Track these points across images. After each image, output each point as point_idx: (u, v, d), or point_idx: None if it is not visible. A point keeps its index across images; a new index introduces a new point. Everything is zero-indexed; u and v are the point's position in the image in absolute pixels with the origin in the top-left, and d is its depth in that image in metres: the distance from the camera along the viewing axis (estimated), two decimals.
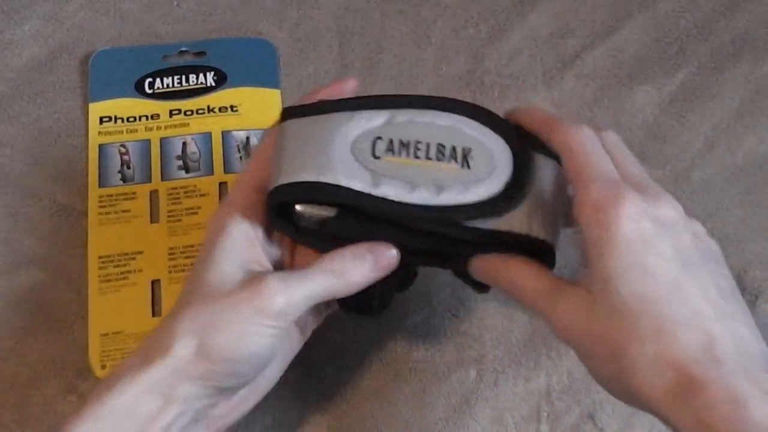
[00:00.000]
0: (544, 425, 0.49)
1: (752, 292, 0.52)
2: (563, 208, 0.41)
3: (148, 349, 0.38)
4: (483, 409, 0.49)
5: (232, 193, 0.41)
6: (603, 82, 0.58)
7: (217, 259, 0.39)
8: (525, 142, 0.40)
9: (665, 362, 0.33)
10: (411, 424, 0.49)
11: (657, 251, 0.35)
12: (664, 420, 0.34)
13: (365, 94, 0.42)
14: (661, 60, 0.59)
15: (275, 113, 0.55)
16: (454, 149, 0.40)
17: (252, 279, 0.38)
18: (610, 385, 0.36)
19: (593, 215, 0.35)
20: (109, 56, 0.57)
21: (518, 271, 0.39)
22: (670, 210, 0.36)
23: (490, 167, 0.40)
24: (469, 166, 0.39)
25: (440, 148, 0.40)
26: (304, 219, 0.40)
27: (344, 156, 0.39)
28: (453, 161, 0.39)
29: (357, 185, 0.39)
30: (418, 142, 0.40)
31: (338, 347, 0.51)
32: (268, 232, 0.42)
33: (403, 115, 0.40)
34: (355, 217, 0.40)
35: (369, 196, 0.39)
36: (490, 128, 0.40)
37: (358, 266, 0.40)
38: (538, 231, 0.39)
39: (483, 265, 0.40)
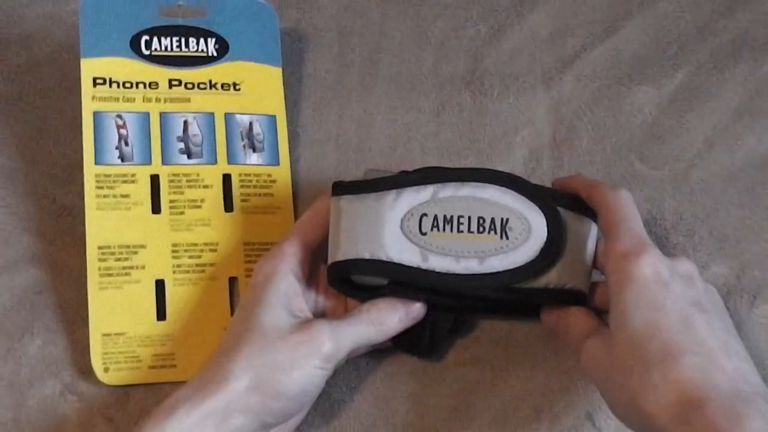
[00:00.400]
0: (543, 425, 0.49)
1: (750, 292, 0.52)
2: (592, 258, 0.47)
3: (204, 381, 0.43)
4: (482, 410, 0.49)
5: (284, 246, 0.47)
6: (602, 82, 0.58)
7: (271, 304, 0.45)
8: (556, 206, 0.46)
9: (669, 385, 0.38)
10: (411, 424, 0.49)
11: (670, 291, 0.40)
12: None
13: (411, 169, 0.47)
14: (661, 60, 0.59)
15: (277, 95, 0.55)
16: (493, 221, 0.45)
17: (305, 324, 0.44)
18: (625, 415, 0.41)
19: (619, 262, 0.41)
20: (100, 3, 0.53)
21: (569, 315, 0.46)
22: (687, 265, 0.43)
23: (526, 234, 0.45)
24: (507, 237, 0.45)
25: (480, 221, 0.45)
26: (359, 283, 0.46)
27: (395, 232, 0.45)
28: (493, 232, 0.45)
29: (407, 260, 0.45)
30: (461, 216, 0.45)
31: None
32: (309, 283, 0.48)
33: (446, 190, 0.46)
34: (406, 286, 0.46)
35: (418, 270, 0.45)
36: (526, 196, 0.46)
37: (393, 317, 0.46)
38: (571, 283, 0.46)
39: (550, 316, 0.47)
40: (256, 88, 0.55)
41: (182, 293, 0.50)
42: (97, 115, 0.52)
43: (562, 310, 0.46)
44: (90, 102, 0.52)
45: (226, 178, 0.53)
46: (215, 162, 0.53)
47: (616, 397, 0.41)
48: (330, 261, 0.46)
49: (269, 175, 0.54)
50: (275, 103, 0.55)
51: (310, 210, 0.48)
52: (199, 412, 0.42)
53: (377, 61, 0.59)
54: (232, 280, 0.52)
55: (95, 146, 0.51)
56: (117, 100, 0.53)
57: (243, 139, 0.54)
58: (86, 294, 0.49)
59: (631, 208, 0.44)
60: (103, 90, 0.52)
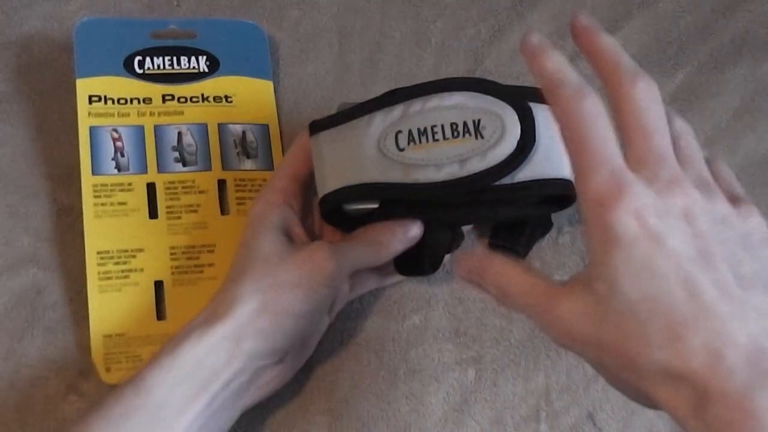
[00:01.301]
0: (543, 425, 0.49)
1: None
2: None
3: (214, 309, 0.43)
4: (482, 409, 0.49)
5: (274, 181, 0.48)
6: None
7: (270, 232, 0.46)
8: (526, 100, 0.45)
9: (677, 373, 0.32)
10: (410, 424, 0.49)
11: (665, 249, 0.32)
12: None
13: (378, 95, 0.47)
14: (661, 60, 0.59)
15: (269, 106, 0.56)
16: (465, 124, 0.45)
17: (305, 246, 0.45)
18: (628, 393, 0.35)
19: (594, 210, 0.33)
20: (93, 27, 0.55)
21: (505, 272, 0.36)
22: (683, 198, 0.33)
23: (500, 131, 0.45)
24: (482, 136, 0.45)
25: (454, 126, 0.45)
26: (352, 214, 0.47)
27: (373, 155, 0.45)
28: (467, 135, 0.45)
29: (390, 178, 0.45)
30: (434, 126, 0.45)
31: (338, 348, 0.51)
32: (304, 216, 0.49)
33: (415, 105, 0.46)
34: (396, 204, 0.46)
35: (403, 185, 0.45)
36: (492, 95, 0.46)
37: (390, 237, 0.47)
38: (554, 173, 0.45)
39: (465, 265, 0.38)
40: (247, 100, 0.56)
41: (181, 293, 0.51)
42: (93, 130, 0.53)
43: (485, 260, 0.37)
44: (86, 118, 0.53)
45: (222, 183, 0.54)
46: (210, 169, 0.54)
47: (616, 377, 0.34)
48: (319, 196, 0.47)
49: (264, 179, 0.54)
50: (267, 113, 0.56)
51: (293, 146, 0.50)
52: (210, 337, 0.42)
53: (377, 62, 0.59)
54: None
55: (92, 158, 0.52)
56: (112, 115, 0.54)
57: (237, 147, 0.55)
58: (86, 294, 0.50)
59: (599, 120, 0.33)
60: (98, 107, 0.54)
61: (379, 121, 0.46)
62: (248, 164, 0.54)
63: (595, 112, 0.33)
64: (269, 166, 0.55)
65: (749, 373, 0.31)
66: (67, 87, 0.56)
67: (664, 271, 0.32)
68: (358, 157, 0.46)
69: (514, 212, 0.48)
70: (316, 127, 0.48)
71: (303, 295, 0.44)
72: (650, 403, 0.34)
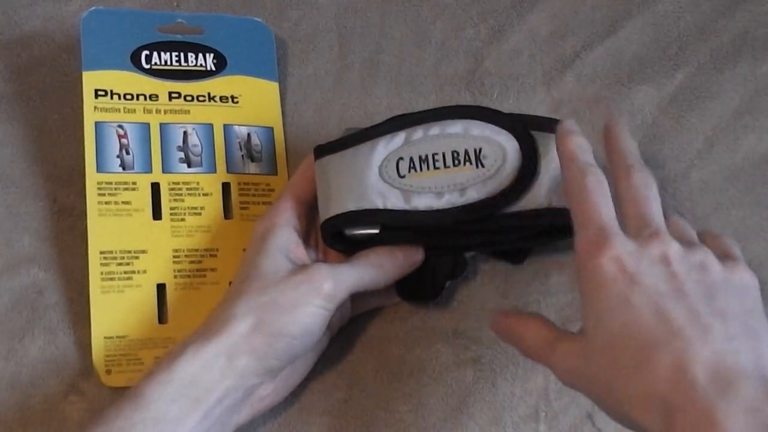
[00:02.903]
0: (543, 425, 0.49)
1: None
2: None
3: (210, 325, 0.44)
4: (481, 410, 0.50)
5: (280, 203, 0.49)
6: (602, 83, 0.58)
7: (270, 252, 0.46)
8: (527, 128, 0.46)
9: (648, 392, 0.35)
10: (410, 424, 0.49)
11: (641, 285, 0.37)
12: None
13: (383, 120, 0.48)
14: (661, 60, 0.59)
15: (275, 109, 0.56)
16: (466, 152, 0.46)
17: (304, 267, 0.45)
18: (626, 424, 0.37)
19: (583, 259, 0.38)
20: (101, 18, 0.54)
21: (526, 328, 0.42)
22: (660, 246, 0.38)
23: (501, 160, 0.46)
24: (483, 165, 0.46)
25: (455, 155, 0.46)
26: (353, 238, 0.47)
27: (375, 181, 0.46)
28: (468, 163, 0.46)
29: (391, 204, 0.46)
30: (435, 154, 0.46)
31: (337, 348, 0.51)
32: (307, 239, 0.49)
33: (417, 132, 0.47)
34: (397, 230, 0.47)
35: (403, 212, 0.46)
36: (494, 124, 0.46)
37: (391, 262, 0.47)
38: (555, 201, 0.45)
39: (500, 325, 0.44)
40: (253, 101, 0.56)
41: (183, 297, 0.51)
42: (98, 126, 0.53)
43: (513, 319, 0.43)
44: (92, 113, 0.53)
45: (226, 187, 0.53)
46: (215, 171, 0.54)
47: (605, 405, 0.38)
48: (321, 220, 0.47)
49: (267, 184, 0.54)
50: (272, 116, 0.56)
51: (299, 169, 0.50)
52: (204, 354, 0.43)
53: (377, 62, 0.59)
54: None
55: (97, 155, 0.52)
56: (118, 111, 0.53)
57: (241, 150, 0.55)
58: (87, 294, 0.50)
59: (597, 191, 0.39)
60: (104, 101, 0.53)
61: (382, 148, 0.47)
62: (252, 168, 0.54)
63: (593, 184, 0.40)
64: (273, 170, 0.55)
65: (712, 385, 0.34)
66: (68, 87, 0.56)
67: (638, 303, 0.36)
68: (360, 182, 0.46)
69: (515, 240, 0.49)
70: (321, 151, 0.48)
71: (299, 316, 0.44)
72: (641, 430, 0.36)
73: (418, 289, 0.49)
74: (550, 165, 0.46)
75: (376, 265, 0.47)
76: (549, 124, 0.46)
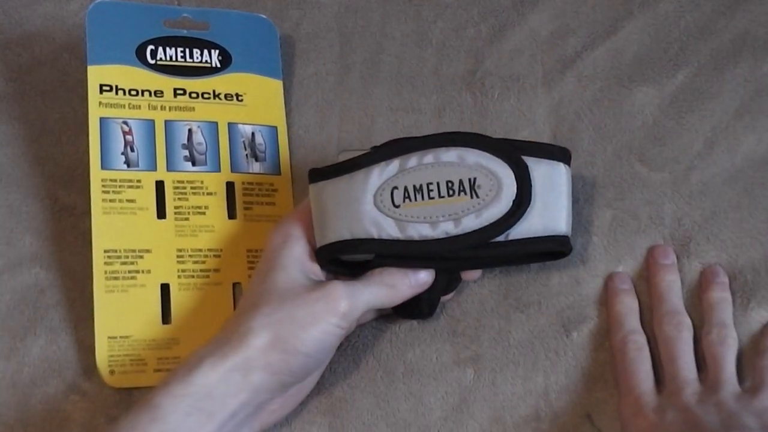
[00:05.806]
0: (543, 425, 0.49)
1: (745, 294, 0.52)
2: (570, 200, 0.47)
3: (227, 338, 0.44)
4: (481, 409, 0.50)
5: (292, 215, 0.48)
6: (603, 83, 0.58)
7: (286, 265, 0.46)
8: (520, 155, 0.46)
9: None
10: (410, 423, 0.49)
11: (662, 425, 0.45)
12: None
13: (378, 144, 0.48)
14: (661, 60, 0.59)
15: (279, 108, 0.56)
16: (461, 182, 0.46)
17: (321, 284, 0.46)
18: None
19: (624, 421, 0.48)
20: (107, 10, 0.54)
21: None
22: (676, 417, 0.46)
23: (496, 189, 0.46)
24: (477, 195, 0.46)
25: (449, 185, 0.46)
26: (349, 261, 0.48)
27: (370, 210, 0.46)
28: (463, 194, 0.46)
29: (386, 234, 0.46)
30: (429, 183, 0.46)
31: (337, 348, 0.51)
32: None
33: (411, 160, 0.46)
34: (390, 258, 0.47)
35: (398, 241, 0.46)
36: (489, 152, 0.46)
37: (405, 281, 0.47)
38: (550, 228, 0.46)
39: None
40: (258, 99, 0.56)
41: (187, 298, 0.51)
42: (103, 121, 0.52)
43: None
44: (96, 108, 0.52)
45: (230, 186, 0.53)
46: (219, 170, 0.53)
47: None
48: (317, 246, 0.47)
49: (271, 184, 0.54)
50: (276, 115, 0.56)
51: None
52: (223, 367, 0.43)
53: (378, 62, 0.59)
54: (236, 286, 0.52)
55: (101, 151, 0.52)
56: (123, 107, 0.53)
57: (246, 149, 0.54)
58: (89, 293, 0.50)
59: (636, 360, 0.48)
60: (109, 97, 0.53)
61: (376, 176, 0.46)
62: (256, 167, 0.54)
63: (634, 353, 0.49)
64: (276, 170, 0.55)
65: None
66: (69, 86, 0.56)
67: None
68: (356, 211, 0.46)
69: (509, 264, 0.51)
70: (316, 175, 0.48)
71: (315, 333, 0.44)
72: None
73: (415, 307, 0.49)
74: (544, 192, 0.46)
75: (389, 284, 0.47)
76: (544, 150, 0.47)
